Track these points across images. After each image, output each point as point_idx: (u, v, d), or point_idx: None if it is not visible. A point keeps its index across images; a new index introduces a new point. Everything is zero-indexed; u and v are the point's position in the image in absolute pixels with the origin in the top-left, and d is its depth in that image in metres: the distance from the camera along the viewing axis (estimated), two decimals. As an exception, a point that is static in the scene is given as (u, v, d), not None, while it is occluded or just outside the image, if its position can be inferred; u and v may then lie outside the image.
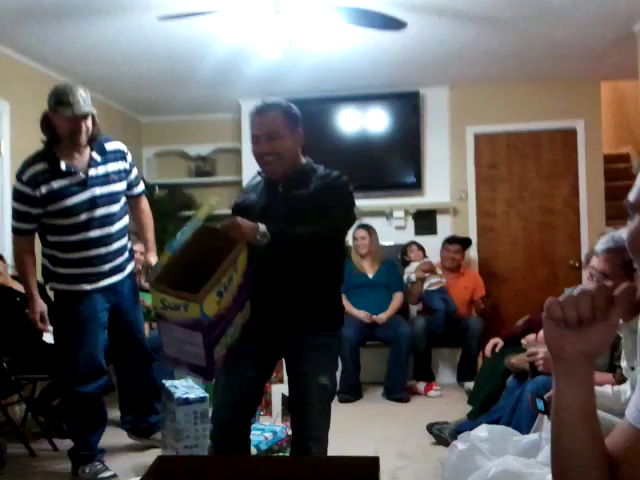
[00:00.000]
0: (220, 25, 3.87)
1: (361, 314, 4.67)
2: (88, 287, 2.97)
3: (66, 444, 3.58)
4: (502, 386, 3.32)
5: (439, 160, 5.57)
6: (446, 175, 5.59)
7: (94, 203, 2.91)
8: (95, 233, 2.93)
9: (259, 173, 2.33)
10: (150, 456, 2.63)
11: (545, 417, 2.52)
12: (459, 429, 3.12)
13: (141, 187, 3.31)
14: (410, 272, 5.03)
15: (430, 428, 3.44)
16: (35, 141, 4.41)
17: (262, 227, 1.99)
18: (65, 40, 4.07)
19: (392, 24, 3.58)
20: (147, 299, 4.28)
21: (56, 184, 2.84)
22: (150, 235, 3.34)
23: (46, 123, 2.89)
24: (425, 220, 5.54)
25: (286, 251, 2.11)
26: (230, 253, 1.93)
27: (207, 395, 2.97)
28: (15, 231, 2.91)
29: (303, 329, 2.20)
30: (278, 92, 5.35)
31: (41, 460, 3.37)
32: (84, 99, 2.83)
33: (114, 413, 4.13)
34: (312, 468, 1.85)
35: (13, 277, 3.80)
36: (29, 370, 3.62)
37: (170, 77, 4.92)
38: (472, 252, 5.53)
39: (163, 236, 5.74)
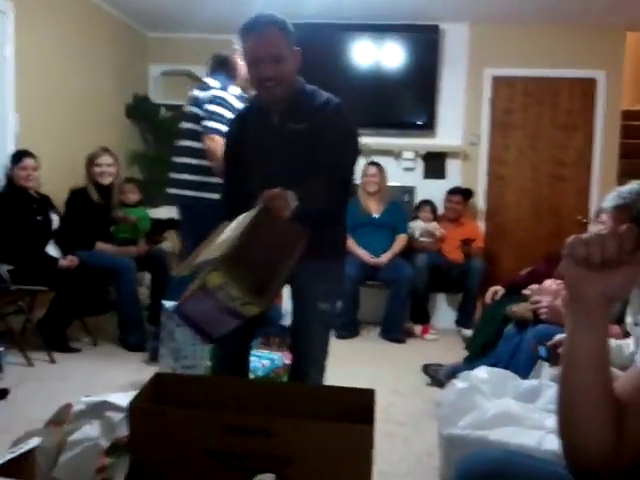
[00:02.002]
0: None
1: (364, 255, 4.64)
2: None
3: (64, 357, 3.63)
4: (500, 333, 3.32)
5: (454, 101, 5.41)
6: (460, 118, 5.44)
7: None
8: None
9: (251, 101, 2.22)
10: (148, 374, 2.64)
11: (545, 364, 2.53)
12: (454, 371, 3.14)
13: None
14: (412, 228, 4.97)
15: (426, 369, 3.46)
16: (40, 43, 4.32)
17: (291, 195, 1.86)
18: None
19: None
20: (132, 214, 4.30)
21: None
22: None
23: (233, 63, 3.42)
24: (435, 163, 5.42)
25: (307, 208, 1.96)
26: (291, 245, 1.87)
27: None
28: (220, 133, 3.13)
29: (314, 257, 2.11)
30: (294, 14, 5.10)
31: (38, 370, 3.40)
32: None
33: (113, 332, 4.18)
34: (309, 395, 1.86)
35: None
36: (30, 281, 3.62)
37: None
38: (479, 199, 5.47)
39: (167, 158, 5.65)
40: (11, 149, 3.99)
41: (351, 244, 4.60)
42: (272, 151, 2.09)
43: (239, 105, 3.23)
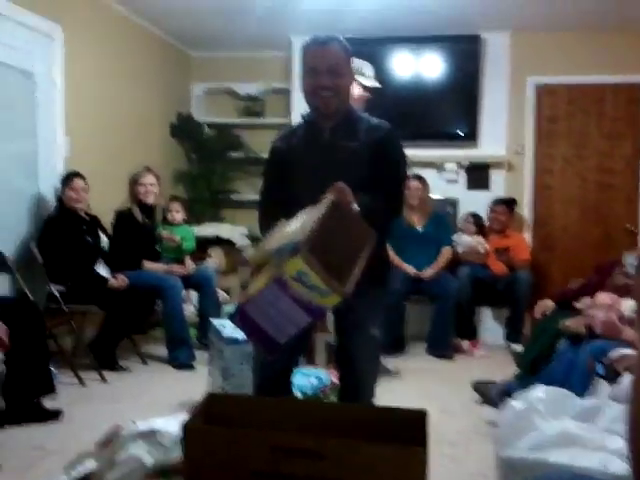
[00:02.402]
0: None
1: (408, 268, 4.58)
2: None
3: (115, 376, 3.67)
4: (552, 349, 3.23)
5: (496, 111, 5.34)
6: (503, 127, 5.36)
7: None
8: None
9: (303, 116, 2.24)
10: (197, 392, 2.65)
11: (602, 382, 2.46)
12: (507, 389, 3.07)
13: None
14: (456, 242, 4.90)
15: (476, 386, 3.38)
16: (87, 67, 4.43)
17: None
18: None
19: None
20: (177, 233, 4.34)
21: None
22: None
23: None
24: (478, 174, 5.35)
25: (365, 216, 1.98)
26: (362, 239, 1.85)
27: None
28: None
29: (364, 281, 2.13)
30: (331, 29, 5.10)
31: (90, 390, 3.45)
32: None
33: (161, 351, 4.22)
34: (360, 415, 1.84)
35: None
36: (81, 301, 3.69)
37: (224, 9, 4.72)
38: (525, 210, 5.37)
39: (210, 176, 5.74)
40: (61, 172, 4.07)
41: (395, 258, 4.57)
42: (323, 166, 2.10)
43: None
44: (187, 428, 1.67)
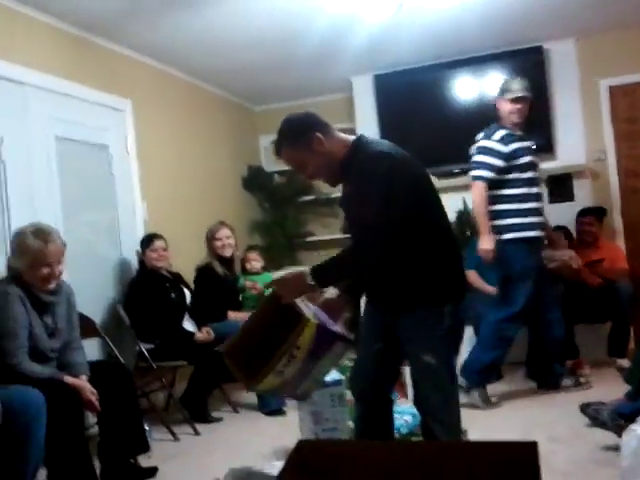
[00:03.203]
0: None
1: (490, 289, 4.37)
2: (534, 234, 3.71)
3: (207, 428, 3.65)
4: (663, 362, 2.98)
5: (570, 119, 5.13)
6: (579, 135, 5.13)
7: (535, 165, 3.79)
8: (535, 190, 3.76)
9: None
10: (289, 439, 2.58)
11: None
12: (619, 410, 2.83)
13: None
14: (546, 258, 4.66)
15: (585, 409, 3.13)
16: (157, 136, 4.60)
17: (307, 272, 1.98)
18: (175, 33, 4.06)
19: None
20: (258, 281, 4.34)
21: (515, 145, 3.68)
22: None
23: (495, 109, 3.83)
24: (560, 186, 5.10)
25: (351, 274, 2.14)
26: (290, 333, 1.91)
27: (343, 378, 2.90)
28: (481, 179, 3.66)
29: (399, 308, 2.11)
30: (387, 64, 5.17)
31: (184, 444, 3.45)
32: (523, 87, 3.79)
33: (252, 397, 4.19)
34: (465, 453, 1.71)
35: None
36: (170, 357, 3.74)
37: (276, 61, 4.83)
38: (615, 217, 5.08)
39: (284, 222, 5.79)
40: (141, 235, 4.21)
41: (478, 281, 4.38)
42: (346, 214, 2.26)
43: (505, 147, 3.65)
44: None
